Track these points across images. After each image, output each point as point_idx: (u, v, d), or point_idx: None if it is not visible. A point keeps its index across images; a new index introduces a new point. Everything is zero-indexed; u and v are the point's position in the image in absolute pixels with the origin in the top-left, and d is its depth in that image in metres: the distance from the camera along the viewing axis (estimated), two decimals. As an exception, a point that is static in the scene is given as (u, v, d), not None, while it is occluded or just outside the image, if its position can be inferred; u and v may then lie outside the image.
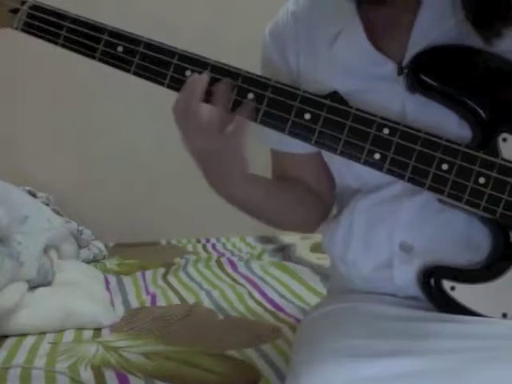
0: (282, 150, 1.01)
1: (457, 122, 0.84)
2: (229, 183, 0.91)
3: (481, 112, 0.83)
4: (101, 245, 2.21)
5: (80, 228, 2.14)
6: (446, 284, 0.84)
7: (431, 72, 0.84)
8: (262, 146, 1.02)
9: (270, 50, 0.99)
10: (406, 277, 0.89)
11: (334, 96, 0.85)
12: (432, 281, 0.85)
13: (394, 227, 0.89)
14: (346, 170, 0.94)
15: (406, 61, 0.86)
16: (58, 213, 2.06)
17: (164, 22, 2.35)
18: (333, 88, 0.86)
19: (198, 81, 0.84)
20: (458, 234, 0.86)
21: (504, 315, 0.83)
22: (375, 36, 0.89)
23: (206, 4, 2.47)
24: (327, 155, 0.97)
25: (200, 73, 0.85)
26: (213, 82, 0.85)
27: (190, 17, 2.44)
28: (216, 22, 2.46)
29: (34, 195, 2.09)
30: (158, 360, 1.21)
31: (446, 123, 0.84)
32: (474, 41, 0.82)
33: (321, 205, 1.04)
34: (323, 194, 1.03)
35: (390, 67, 0.87)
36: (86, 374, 1.15)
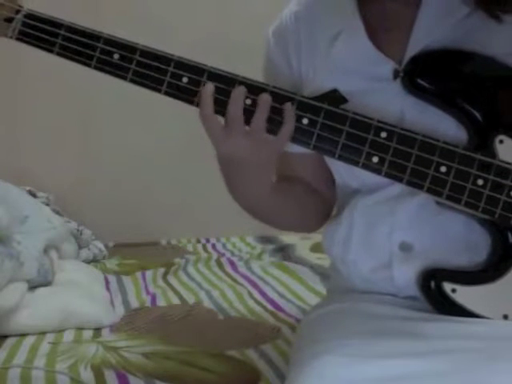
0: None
1: (455, 125, 0.84)
2: (254, 192, 0.93)
3: (477, 115, 0.83)
4: (101, 245, 2.21)
5: (80, 228, 2.13)
6: (447, 286, 0.84)
7: (427, 75, 0.84)
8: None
9: (273, 50, 0.99)
10: (405, 277, 0.89)
11: (334, 94, 0.85)
12: (432, 283, 0.85)
13: (394, 227, 0.89)
14: (346, 171, 0.94)
15: (405, 61, 0.86)
16: (58, 213, 2.06)
17: (166, 24, 2.36)
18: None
19: (204, 91, 0.85)
20: (457, 235, 0.86)
21: (505, 317, 0.83)
22: (376, 36, 0.89)
23: (208, 6, 2.47)
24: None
25: (198, 81, 0.85)
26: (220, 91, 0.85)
27: (191, 19, 2.44)
28: (218, 23, 2.46)
29: (34, 195, 2.09)
30: (158, 360, 1.21)
31: (443, 126, 0.84)
32: (477, 39, 0.83)
33: (322, 204, 1.04)
34: (325, 192, 1.03)
35: (389, 67, 0.87)
36: (86, 374, 1.15)
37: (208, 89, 0.85)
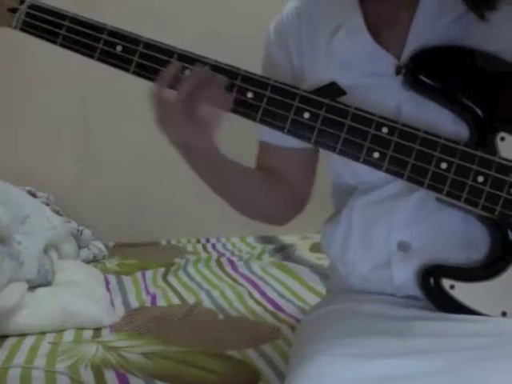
0: (277, 144, 1.01)
1: (452, 121, 0.84)
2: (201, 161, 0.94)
3: (478, 111, 0.83)
4: (101, 245, 2.21)
5: (80, 228, 2.13)
6: (446, 283, 0.84)
7: (429, 72, 0.84)
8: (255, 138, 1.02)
9: (274, 46, 0.99)
10: (404, 276, 0.89)
11: (332, 86, 0.86)
12: (431, 280, 0.85)
13: (392, 226, 0.89)
14: (345, 168, 0.94)
15: (404, 57, 0.86)
16: (57, 213, 2.06)
17: (167, 19, 2.35)
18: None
19: (167, 69, 0.84)
20: (456, 232, 0.86)
21: (503, 314, 0.83)
22: (376, 30, 0.89)
23: (210, 1, 2.47)
24: (326, 152, 0.96)
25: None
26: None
27: (193, 14, 2.44)
28: (219, 19, 2.46)
29: (33, 195, 2.09)
30: (158, 360, 1.21)
31: (440, 122, 0.85)
32: (475, 35, 0.83)
33: (295, 200, 1.04)
34: (302, 189, 1.04)
35: (388, 62, 0.87)
36: (86, 374, 1.15)
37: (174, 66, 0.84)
